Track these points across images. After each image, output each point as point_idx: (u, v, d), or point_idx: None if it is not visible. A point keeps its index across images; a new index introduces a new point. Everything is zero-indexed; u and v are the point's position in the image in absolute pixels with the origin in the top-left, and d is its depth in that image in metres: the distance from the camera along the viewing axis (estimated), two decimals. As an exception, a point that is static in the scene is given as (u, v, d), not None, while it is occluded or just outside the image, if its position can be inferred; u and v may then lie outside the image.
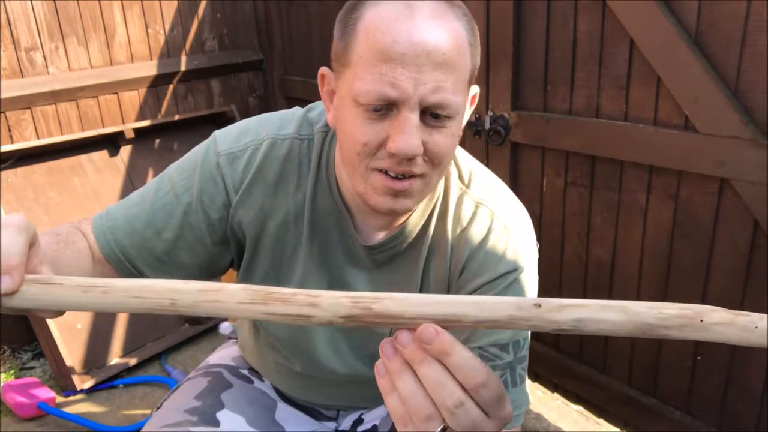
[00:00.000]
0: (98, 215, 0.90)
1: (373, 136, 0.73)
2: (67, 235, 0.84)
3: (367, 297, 0.51)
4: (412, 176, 0.75)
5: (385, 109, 0.72)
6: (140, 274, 0.89)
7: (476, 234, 0.87)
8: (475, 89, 0.83)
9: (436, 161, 0.76)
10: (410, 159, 0.73)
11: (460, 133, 0.80)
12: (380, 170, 0.75)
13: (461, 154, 0.92)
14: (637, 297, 1.77)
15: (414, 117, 0.71)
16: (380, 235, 0.89)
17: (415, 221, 0.88)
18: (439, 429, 0.50)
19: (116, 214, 0.89)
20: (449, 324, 0.51)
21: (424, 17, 0.70)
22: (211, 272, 0.94)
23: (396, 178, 0.75)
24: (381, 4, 0.72)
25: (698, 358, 1.68)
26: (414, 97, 0.70)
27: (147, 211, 0.87)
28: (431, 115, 0.73)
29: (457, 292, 0.88)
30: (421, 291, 0.90)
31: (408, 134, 0.71)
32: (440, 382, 0.49)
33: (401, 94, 0.70)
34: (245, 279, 0.95)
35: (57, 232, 0.83)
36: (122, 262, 0.88)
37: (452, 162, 0.90)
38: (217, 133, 0.90)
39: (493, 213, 0.87)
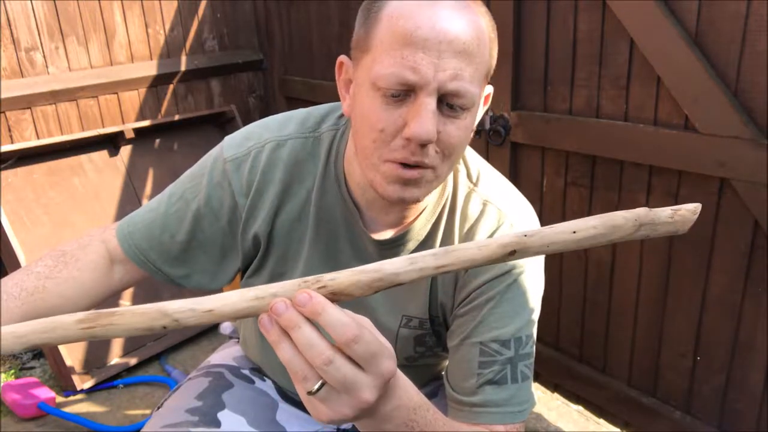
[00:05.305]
0: (122, 221, 0.96)
1: (390, 123, 0.73)
2: (76, 250, 0.92)
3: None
4: (423, 166, 0.76)
5: (403, 95, 0.73)
6: (161, 272, 0.94)
7: (483, 232, 0.87)
8: (489, 89, 0.84)
9: (447, 152, 0.76)
10: (423, 146, 0.73)
11: (473, 128, 0.80)
12: (393, 161, 0.75)
13: (470, 152, 0.93)
14: (637, 296, 1.77)
15: (431, 102, 0.72)
16: (390, 233, 0.89)
17: (425, 219, 0.88)
18: (317, 386, 0.54)
19: (136, 220, 0.95)
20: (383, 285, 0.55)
21: (447, 7, 0.72)
22: (225, 273, 0.97)
23: (407, 166, 0.75)
24: None
25: (698, 358, 1.68)
26: (433, 82, 0.71)
27: (162, 216, 0.93)
28: (447, 105, 0.73)
29: (462, 289, 0.88)
30: (431, 289, 0.91)
31: (425, 119, 0.71)
32: (310, 344, 0.53)
33: (420, 79, 0.70)
34: (252, 278, 0.97)
35: (64, 251, 0.92)
36: (145, 263, 0.94)
37: (461, 160, 0.91)
38: (226, 140, 0.93)
39: (500, 211, 0.88)
